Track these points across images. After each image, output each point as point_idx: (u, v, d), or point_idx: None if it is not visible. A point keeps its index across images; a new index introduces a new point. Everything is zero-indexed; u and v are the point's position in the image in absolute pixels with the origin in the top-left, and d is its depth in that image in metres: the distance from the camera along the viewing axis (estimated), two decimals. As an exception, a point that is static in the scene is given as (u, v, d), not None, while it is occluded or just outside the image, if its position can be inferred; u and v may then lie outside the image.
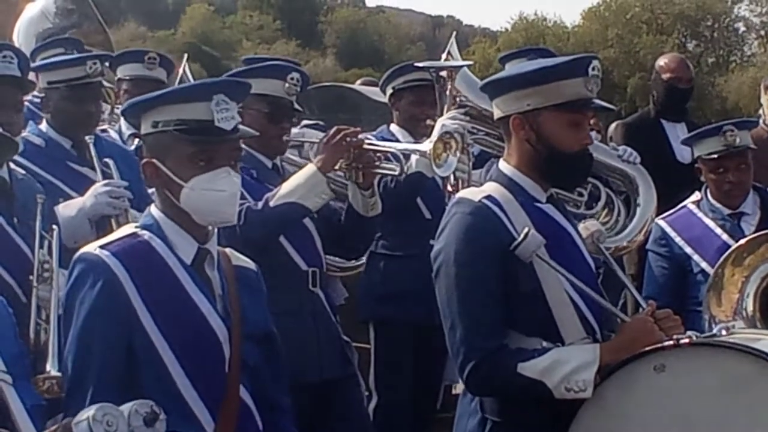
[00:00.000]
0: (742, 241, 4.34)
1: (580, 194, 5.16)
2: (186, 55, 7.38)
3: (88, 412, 2.54)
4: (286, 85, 4.56)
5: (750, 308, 4.01)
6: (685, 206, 5.24)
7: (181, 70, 7.17)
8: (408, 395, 5.68)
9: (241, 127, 3.14)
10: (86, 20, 7.77)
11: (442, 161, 4.44)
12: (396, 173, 4.58)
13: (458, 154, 4.46)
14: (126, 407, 2.61)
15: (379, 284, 5.65)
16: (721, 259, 4.20)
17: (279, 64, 4.98)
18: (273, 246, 4.35)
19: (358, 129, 4.57)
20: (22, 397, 2.81)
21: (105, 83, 5.55)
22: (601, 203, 5.33)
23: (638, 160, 5.48)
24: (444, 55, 5.68)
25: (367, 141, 4.51)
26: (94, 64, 4.83)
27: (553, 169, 3.38)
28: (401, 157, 4.54)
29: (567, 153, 3.34)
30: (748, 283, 4.06)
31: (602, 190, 5.35)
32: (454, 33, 6.21)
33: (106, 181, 4.67)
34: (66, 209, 4.52)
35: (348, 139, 4.41)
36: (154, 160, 3.07)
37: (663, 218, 5.25)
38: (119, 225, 4.57)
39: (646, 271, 5.32)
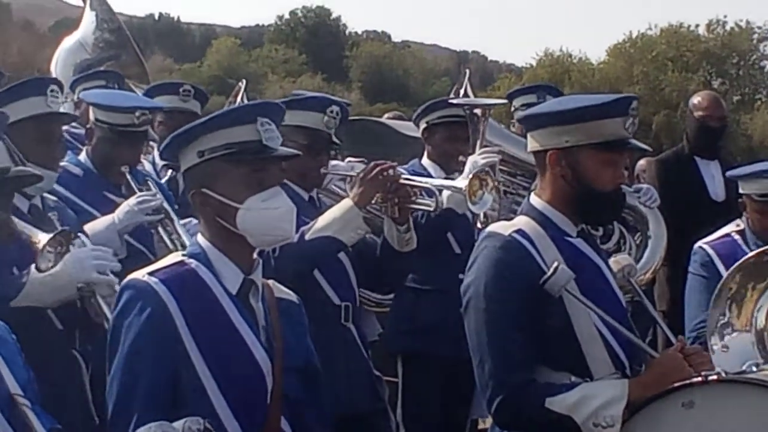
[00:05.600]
0: (754, 252, 4.27)
1: (595, 229, 5.20)
2: (245, 81, 7.39)
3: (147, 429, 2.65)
4: (325, 117, 4.60)
5: (761, 322, 3.94)
6: (729, 235, 5.19)
7: (239, 98, 7.17)
8: (435, 429, 5.66)
9: (282, 148, 3.17)
10: (124, 52, 7.84)
11: (478, 198, 4.46)
12: (431, 209, 4.57)
13: (493, 192, 4.48)
14: (179, 424, 2.68)
15: (407, 318, 5.63)
16: (733, 267, 4.14)
17: (318, 96, 5.03)
18: (307, 279, 4.36)
19: (395, 163, 4.60)
20: (41, 420, 2.84)
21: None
22: (614, 240, 5.37)
23: (656, 204, 5.49)
24: (461, 92, 5.74)
25: (403, 176, 4.54)
26: (143, 114, 4.86)
27: (587, 206, 3.39)
28: (436, 192, 4.55)
29: (601, 192, 3.36)
30: (763, 296, 4.00)
31: (616, 227, 5.38)
32: (467, 72, 6.27)
33: (137, 194, 4.69)
34: (94, 225, 4.53)
35: (384, 173, 4.45)
36: (204, 189, 3.08)
37: (707, 243, 5.17)
38: (168, 233, 4.59)
39: (687, 294, 5.23)
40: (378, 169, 4.45)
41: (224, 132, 3.07)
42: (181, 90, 6.51)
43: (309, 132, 4.56)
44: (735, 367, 3.60)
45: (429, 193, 4.57)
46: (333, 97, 4.98)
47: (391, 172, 4.47)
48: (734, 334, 3.85)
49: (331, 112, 4.61)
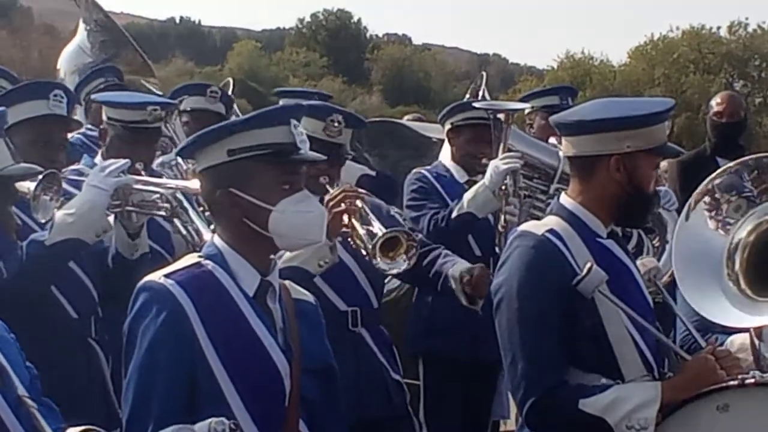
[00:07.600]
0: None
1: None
2: (231, 81, 7.40)
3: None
4: (326, 126, 4.48)
5: (740, 236, 3.76)
6: None
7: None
8: (457, 430, 5.63)
9: (311, 152, 3.13)
10: (123, 48, 7.90)
11: (390, 255, 4.20)
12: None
13: (407, 255, 4.18)
14: (204, 425, 2.66)
15: (427, 319, 5.60)
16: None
17: (319, 105, 4.94)
18: (309, 288, 4.25)
19: (363, 193, 4.41)
20: (48, 421, 2.78)
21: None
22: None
23: (675, 207, 5.50)
24: (480, 95, 5.70)
25: (363, 209, 4.31)
26: (155, 110, 4.79)
27: (634, 209, 3.38)
28: (377, 231, 4.24)
29: (649, 195, 3.37)
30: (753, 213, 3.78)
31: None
32: (484, 75, 6.21)
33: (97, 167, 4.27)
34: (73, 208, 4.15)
35: (348, 203, 4.25)
36: (232, 189, 3.02)
37: None
38: (183, 222, 4.36)
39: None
40: (343, 195, 4.27)
41: (258, 132, 3.03)
42: (208, 91, 6.58)
43: (309, 140, 4.44)
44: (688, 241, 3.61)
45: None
46: (336, 106, 4.88)
47: (355, 201, 4.27)
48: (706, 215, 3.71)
49: (332, 120, 4.50)
